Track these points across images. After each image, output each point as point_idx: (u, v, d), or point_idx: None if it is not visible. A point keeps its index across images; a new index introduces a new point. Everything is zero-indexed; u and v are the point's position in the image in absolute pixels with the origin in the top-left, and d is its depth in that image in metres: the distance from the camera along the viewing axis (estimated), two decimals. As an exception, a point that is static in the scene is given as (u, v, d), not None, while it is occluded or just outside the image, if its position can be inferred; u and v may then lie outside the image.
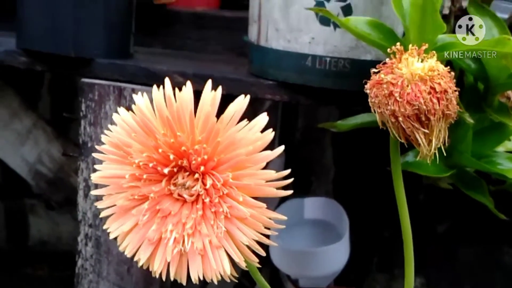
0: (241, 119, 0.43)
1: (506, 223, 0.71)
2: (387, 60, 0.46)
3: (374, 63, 0.48)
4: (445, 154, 0.48)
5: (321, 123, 0.79)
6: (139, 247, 0.44)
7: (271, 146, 0.43)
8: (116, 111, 0.45)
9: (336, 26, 0.69)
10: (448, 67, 0.45)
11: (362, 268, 1.25)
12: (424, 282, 1.24)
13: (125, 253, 0.45)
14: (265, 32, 0.73)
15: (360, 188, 1.24)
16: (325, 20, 0.69)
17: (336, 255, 1.06)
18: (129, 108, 0.45)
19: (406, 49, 0.47)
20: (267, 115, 0.43)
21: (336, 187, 1.27)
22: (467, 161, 0.67)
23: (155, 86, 0.44)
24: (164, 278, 0.44)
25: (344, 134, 0.77)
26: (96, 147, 0.46)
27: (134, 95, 0.44)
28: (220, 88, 0.43)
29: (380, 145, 0.56)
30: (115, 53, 0.82)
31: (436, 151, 0.46)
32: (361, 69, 0.67)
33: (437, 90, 0.43)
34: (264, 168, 0.42)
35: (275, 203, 1.08)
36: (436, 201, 1.20)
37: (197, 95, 0.44)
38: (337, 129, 0.76)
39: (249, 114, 0.44)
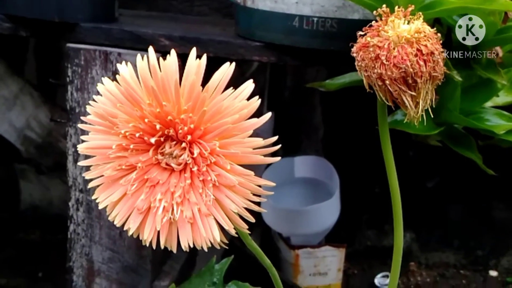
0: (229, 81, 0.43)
1: (495, 178, 0.72)
2: (374, 22, 0.45)
3: (361, 22, 0.47)
4: (432, 116, 0.48)
5: (310, 83, 0.79)
6: (129, 216, 0.45)
7: (260, 107, 0.43)
8: (103, 76, 0.45)
9: (322, -15, 0.68)
10: (435, 28, 0.44)
11: (353, 225, 1.26)
12: (414, 237, 1.25)
13: (115, 222, 0.45)
14: (251, -8, 0.72)
15: (350, 146, 1.24)
16: (311, -21, 0.68)
17: (327, 213, 1.06)
18: (116, 73, 0.44)
19: (392, 10, 0.46)
20: (255, 75, 0.43)
21: (326, 145, 1.27)
22: (456, 118, 0.67)
23: (139, 55, 0.43)
24: (154, 246, 0.44)
25: (333, 93, 0.77)
26: (82, 118, 0.45)
27: (118, 65, 0.44)
28: (205, 56, 0.42)
29: (369, 103, 0.56)
30: (99, 16, 0.81)
31: (424, 112, 0.46)
32: (349, 29, 0.66)
33: (424, 52, 0.43)
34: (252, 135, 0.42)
35: (264, 164, 1.09)
36: (425, 158, 1.20)
37: (184, 58, 0.43)
38: (326, 89, 0.76)
39: (237, 75, 0.43)
